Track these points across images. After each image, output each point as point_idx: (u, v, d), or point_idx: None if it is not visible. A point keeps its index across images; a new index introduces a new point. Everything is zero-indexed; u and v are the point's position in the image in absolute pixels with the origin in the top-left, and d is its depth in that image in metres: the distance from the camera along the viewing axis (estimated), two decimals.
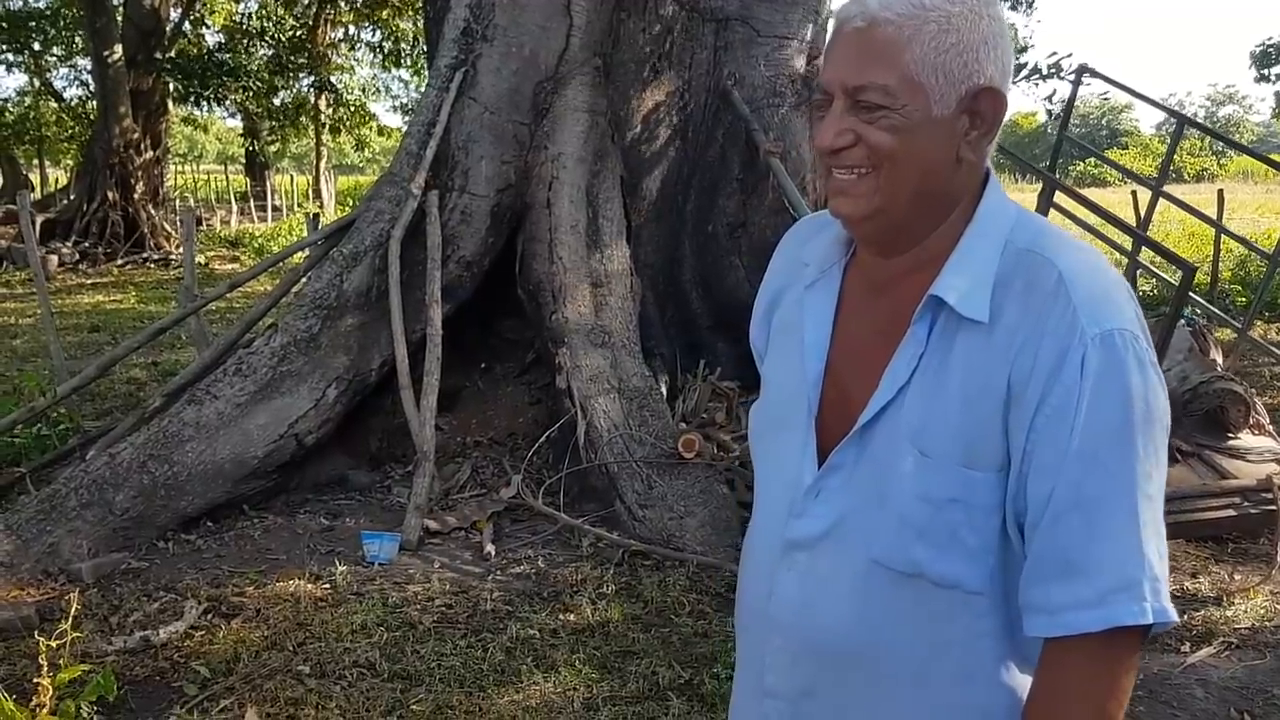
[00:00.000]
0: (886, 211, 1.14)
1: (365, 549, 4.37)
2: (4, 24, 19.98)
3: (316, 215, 12.99)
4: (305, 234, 10.98)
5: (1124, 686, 1.08)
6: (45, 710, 2.76)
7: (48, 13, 20.95)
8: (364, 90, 26.93)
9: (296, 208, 25.42)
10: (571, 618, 3.82)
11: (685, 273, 6.46)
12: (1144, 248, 7.21)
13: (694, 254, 6.44)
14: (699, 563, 4.28)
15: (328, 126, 24.31)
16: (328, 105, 23.82)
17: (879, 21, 1.09)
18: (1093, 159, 31.91)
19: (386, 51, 21.73)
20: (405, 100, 29.54)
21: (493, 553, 4.43)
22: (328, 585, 4.08)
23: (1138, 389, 1.05)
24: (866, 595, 1.16)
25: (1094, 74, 8.17)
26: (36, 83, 24.60)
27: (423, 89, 7.53)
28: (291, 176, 32.66)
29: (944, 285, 1.13)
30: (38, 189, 26.23)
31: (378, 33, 21.91)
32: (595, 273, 5.59)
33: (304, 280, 5.60)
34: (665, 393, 5.56)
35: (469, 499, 5.07)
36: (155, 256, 16.64)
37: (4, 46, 21.45)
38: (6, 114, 23.53)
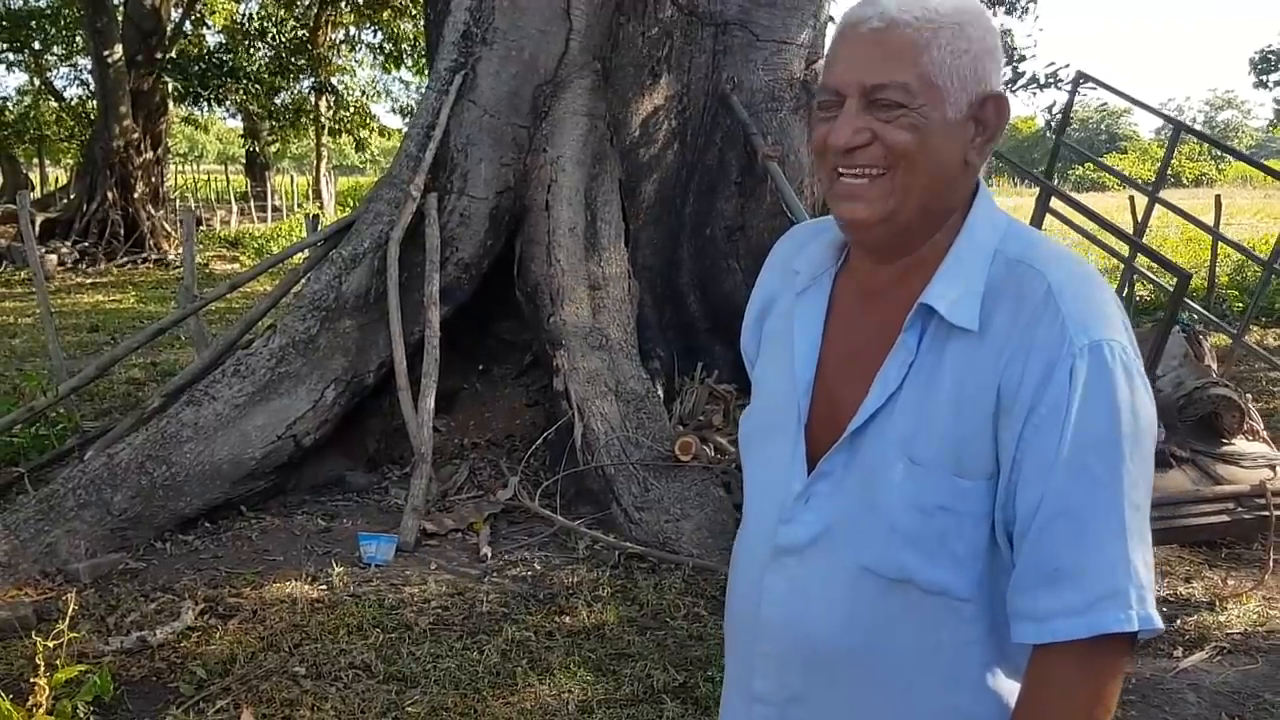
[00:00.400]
0: (898, 215, 1.15)
1: (362, 550, 4.38)
2: (4, 23, 20.00)
3: (316, 216, 12.99)
4: (305, 235, 10.98)
5: (1110, 693, 1.09)
6: (42, 710, 2.77)
7: (48, 12, 20.97)
8: (364, 92, 26.98)
9: (296, 208, 25.44)
10: (567, 620, 3.83)
11: (683, 276, 6.48)
12: (1140, 254, 7.21)
13: (692, 257, 6.46)
14: (695, 566, 4.29)
15: (328, 128, 24.33)
16: (328, 107, 23.83)
17: (898, 23, 1.11)
18: (1091, 163, 31.91)
19: (387, 53, 21.75)
20: (405, 102, 29.59)
21: (489, 555, 4.44)
22: (324, 586, 4.09)
23: (1125, 399, 1.06)
24: (855, 601, 1.17)
25: (1092, 81, 8.18)
26: (37, 82, 24.64)
27: (423, 91, 7.54)
28: (292, 177, 32.70)
29: (934, 294, 1.14)
30: (38, 188, 26.25)
31: (378, 34, 21.94)
32: (593, 275, 5.60)
33: (303, 281, 5.61)
34: (662, 395, 5.57)
35: (466, 501, 5.08)
36: (155, 256, 16.66)
37: (4, 45, 21.45)
38: (7, 113, 23.55)
